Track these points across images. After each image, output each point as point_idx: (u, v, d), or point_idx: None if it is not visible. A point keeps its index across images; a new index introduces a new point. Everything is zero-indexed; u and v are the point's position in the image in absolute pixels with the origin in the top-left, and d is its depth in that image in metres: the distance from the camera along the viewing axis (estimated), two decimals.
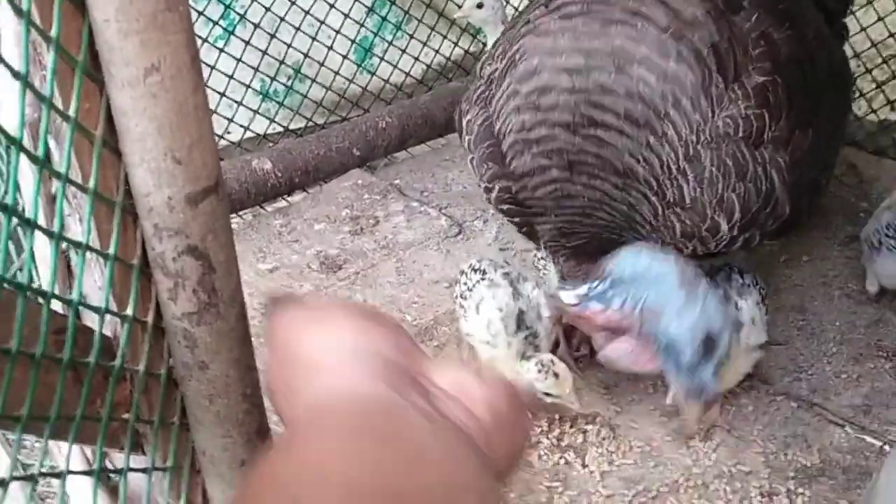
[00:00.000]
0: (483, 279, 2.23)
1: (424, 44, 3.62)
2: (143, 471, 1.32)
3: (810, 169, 2.09)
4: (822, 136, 2.11)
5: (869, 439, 2.21)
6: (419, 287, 2.75)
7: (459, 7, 3.68)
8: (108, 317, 1.21)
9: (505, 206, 2.18)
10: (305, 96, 3.40)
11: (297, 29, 3.25)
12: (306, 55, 3.31)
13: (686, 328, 1.79)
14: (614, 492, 2.09)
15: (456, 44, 3.74)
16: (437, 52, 3.67)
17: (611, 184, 1.96)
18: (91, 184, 1.11)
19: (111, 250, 1.17)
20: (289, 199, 3.19)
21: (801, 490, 2.08)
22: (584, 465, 2.16)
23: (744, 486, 2.09)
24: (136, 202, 1.18)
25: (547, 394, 2.11)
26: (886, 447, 2.18)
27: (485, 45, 3.80)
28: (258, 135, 3.30)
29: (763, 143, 1.95)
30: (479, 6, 2.99)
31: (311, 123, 3.45)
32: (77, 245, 1.11)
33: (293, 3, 3.20)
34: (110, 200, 1.15)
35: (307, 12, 3.25)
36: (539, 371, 2.11)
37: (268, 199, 3.11)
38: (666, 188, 1.94)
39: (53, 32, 0.97)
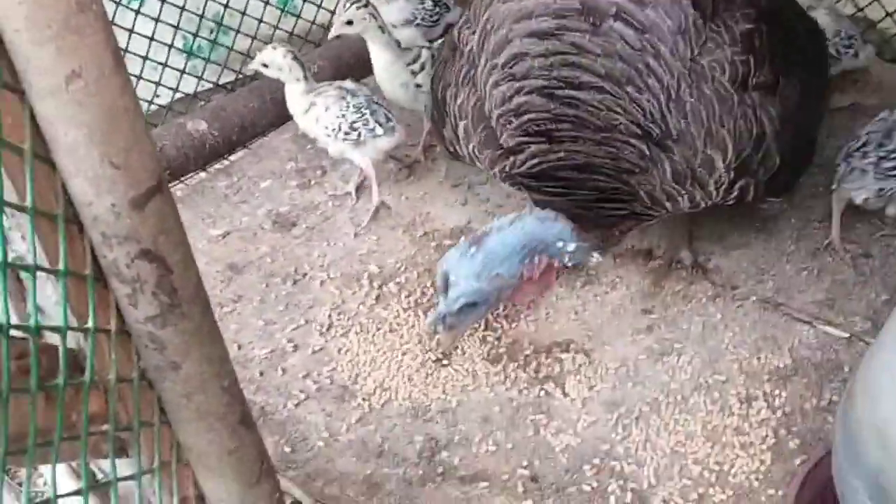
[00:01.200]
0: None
1: None
2: (131, 477, 1.29)
3: (800, 119, 2.10)
4: (809, 87, 2.12)
5: (836, 332, 2.26)
6: (376, 234, 2.71)
7: None
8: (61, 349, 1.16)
9: (508, 184, 2.17)
10: (231, 48, 3.26)
11: None
12: (226, 6, 3.17)
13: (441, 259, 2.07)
14: (597, 417, 2.12)
15: None
16: None
17: (592, 141, 1.95)
18: (28, 200, 1.04)
19: (61, 265, 1.11)
20: (230, 158, 3.10)
21: (777, 391, 2.13)
22: (564, 394, 2.18)
23: (722, 396, 2.13)
24: (80, 212, 1.12)
25: None
26: (854, 339, 2.22)
27: None
28: (188, 94, 3.18)
29: (750, 89, 1.96)
30: (349, 23, 2.75)
31: (241, 76, 3.33)
32: (26, 269, 1.06)
33: None
34: (51, 214, 1.09)
35: None
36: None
37: (209, 162, 3.02)
38: (652, 130, 1.92)
39: None
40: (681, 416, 2.09)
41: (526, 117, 1.96)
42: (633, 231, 2.27)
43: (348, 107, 2.67)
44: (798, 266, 2.46)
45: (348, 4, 2.69)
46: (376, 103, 2.71)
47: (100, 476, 1.58)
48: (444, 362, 2.28)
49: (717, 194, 2.06)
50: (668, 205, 2.06)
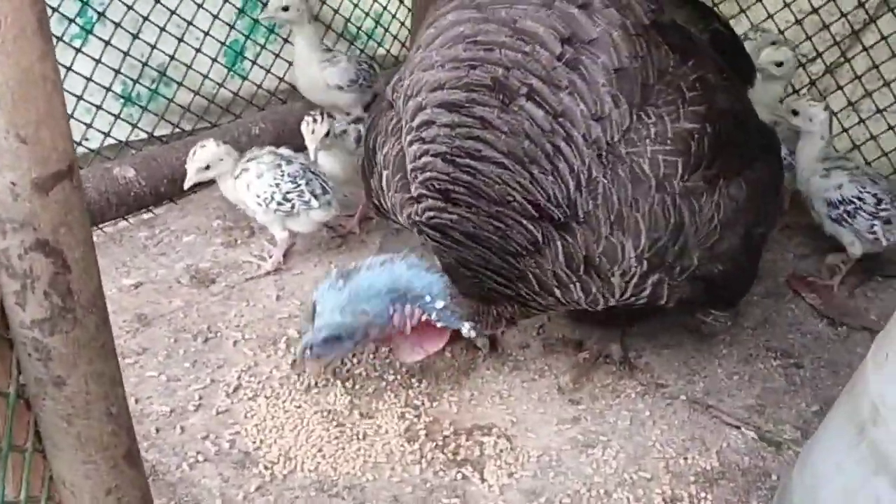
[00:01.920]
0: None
1: None
2: None
3: (745, 222, 2.01)
4: (757, 190, 2.03)
5: (764, 444, 2.19)
6: (299, 299, 2.59)
7: (336, 12, 3.59)
8: None
9: (413, 229, 2.11)
10: (171, 100, 3.17)
11: (162, 29, 3.04)
12: (172, 57, 3.10)
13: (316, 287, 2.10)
14: None
15: (332, 48, 3.59)
16: None
17: (485, 213, 1.89)
18: None
19: None
20: (155, 211, 2.96)
21: (703, 494, 2.03)
22: (482, 480, 2.06)
23: (646, 493, 2.03)
24: None
25: None
26: (783, 447, 2.16)
27: (362, 51, 3.70)
28: (120, 141, 3.05)
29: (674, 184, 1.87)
30: (285, 9, 3.00)
31: (177, 129, 3.23)
32: None
33: (157, 2, 2.98)
34: None
35: (173, 12, 3.04)
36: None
37: (131, 211, 2.87)
38: (553, 213, 1.85)
39: None
40: None
41: (429, 174, 1.92)
42: (515, 321, 2.19)
43: (283, 175, 2.59)
44: (729, 370, 2.42)
45: None
46: (312, 173, 2.64)
47: None
48: (360, 435, 2.14)
49: (625, 289, 1.94)
50: (557, 292, 1.97)
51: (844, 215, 2.59)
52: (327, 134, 2.60)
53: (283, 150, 2.71)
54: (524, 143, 1.82)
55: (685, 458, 2.13)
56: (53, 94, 0.99)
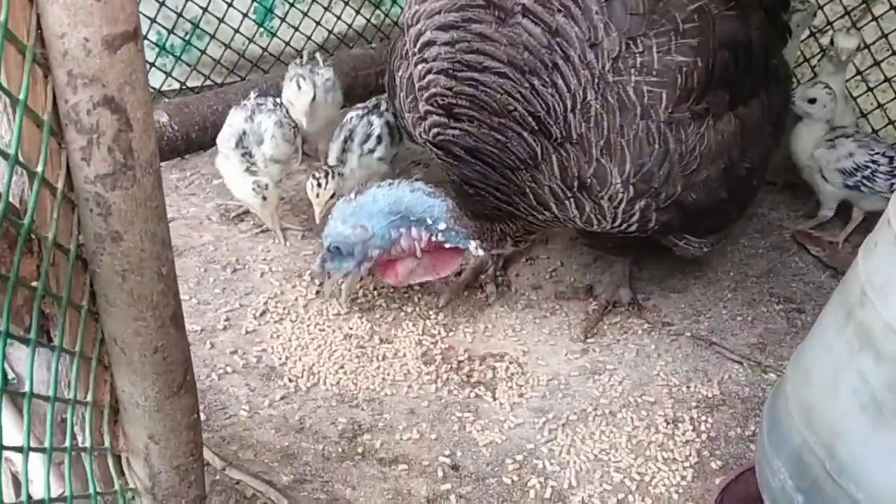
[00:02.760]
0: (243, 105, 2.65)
1: (326, 9, 3.58)
2: (52, 348, 1.24)
3: (729, 155, 2.05)
4: (748, 128, 2.07)
5: (766, 375, 2.29)
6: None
7: None
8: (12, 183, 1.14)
9: (428, 147, 2.21)
10: (204, 52, 3.29)
11: None
12: (205, 10, 3.22)
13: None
14: (524, 420, 2.10)
15: (358, 11, 3.71)
16: (338, 17, 3.63)
17: (487, 125, 1.98)
18: (1, 17, 1.04)
19: (21, 95, 1.09)
20: (185, 156, 3.08)
21: (703, 418, 2.14)
22: (494, 398, 2.17)
23: (650, 415, 2.14)
24: (49, 47, 1.10)
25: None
26: None
27: (386, 15, 3.82)
28: (154, 89, 3.18)
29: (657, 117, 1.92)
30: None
31: (208, 82, 3.36)
32: None
33: None
34: (21, 43, 1.08)
35: None
36: (254, 190, 2.50)
37: (162, 155, 3.00)
38: (551, 127, 1.93)
39: None
40: (607, 427, 2.09)
41: (433, 90, 2.04)
42: (519, 240, 2.30)
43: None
44: (733, 312, 2.52)
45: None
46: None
47: (11, 376, 1.52)
48: (379, 356, 2.26)
49: (615, 215, 2.03)
50: (554, 207, 2.05)
51: (863, 181, 2.68)
52: (332, 196, 2.47)
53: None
54: (524, 53, 1.91)
55: (688, 387, 2.23)
56: None
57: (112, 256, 1.27)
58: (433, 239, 2.13)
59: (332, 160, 2.60)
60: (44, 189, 1.17)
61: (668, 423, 2.11)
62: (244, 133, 2.57)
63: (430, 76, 2.05)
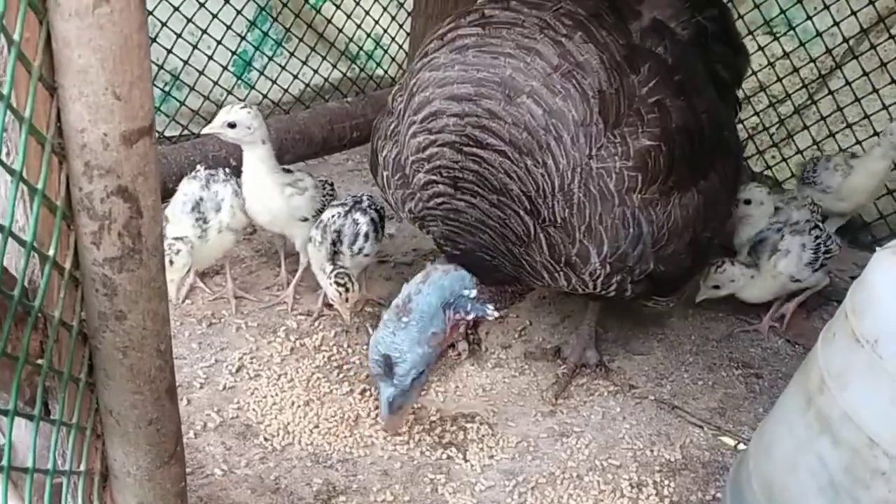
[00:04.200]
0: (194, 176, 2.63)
1: (304, 62, 3.66)
2: (52, 422, 1.28)
3: (694, 228, 2.18)
4: (708, 199, 2.22)
5: (724, 439, 2.38)
6: (298, 293, 2.76)
7: (340, 31, 3.78)
8: (21, 261, 1.18)
9: (416, 223, 2.29)
10: (182, 103, 3.35)
11: (178, 35, 3.22)
12: (186, 62, 3.28)
13: (373, 345, 2.08)
14: (495, 482, 2.16)
15: (334, 66, 3.81)
16: (315, 71, 3.72)
17: (488, 201, 2.07)
18: (27, 114, 1.09)
19: (39, 185, 1.14)
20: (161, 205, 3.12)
21: (666, 482, 2.22)
22: (465, 460, 2.23)
23: (615, 479, 2.21)
24: (68, 140, 1.16)
25: None
26: (741, 445, 2.35)
27: (362, 69, 3.92)
28: None
29: (634, 196, 2.05)
30: (232, 126, 2.52)
31: (186, 132, 3.41)
32: (11, 172, 1.09)
33: (176, 10, 3.17)
34: (41, 135, 1.13)
35: (189, 20, 3.23)
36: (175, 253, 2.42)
37: None
38: (540, 207, 2.04)
39: None
40: (575, 491, 2.16)
41: (437, 163, 2.10)
42: (524, 296, 2.40)
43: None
44: (694, 376, 2.61)
45: (238, 107, 2.54)
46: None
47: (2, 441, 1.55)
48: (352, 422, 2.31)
49: (596, 285, 2.15)
50: (547, 278, 2.16)
51: (824, 258, 2.74)
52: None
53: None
54: (523, 133, 2.00)
55: (651, 450, 2.31)
56: (145, 60, 1.16)
57: (114, 334, 1.32)
58: (462, 314, 2.17)
59: (325, 266, 2.50)
60: (52, 271, 1.22)
61: (632, 487, 2.19)
62: (201, 199, 2.56)
63: (434, 148, 2.11)
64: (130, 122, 1.17)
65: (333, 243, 2.51)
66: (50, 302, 1.24)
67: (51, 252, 1.20)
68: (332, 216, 2.55)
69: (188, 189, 2.59)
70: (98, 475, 1.47)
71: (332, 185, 2.86)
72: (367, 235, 2.54)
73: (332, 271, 2.44)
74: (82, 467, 1.41)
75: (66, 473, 1.36)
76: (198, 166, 2.70)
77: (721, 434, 2.39)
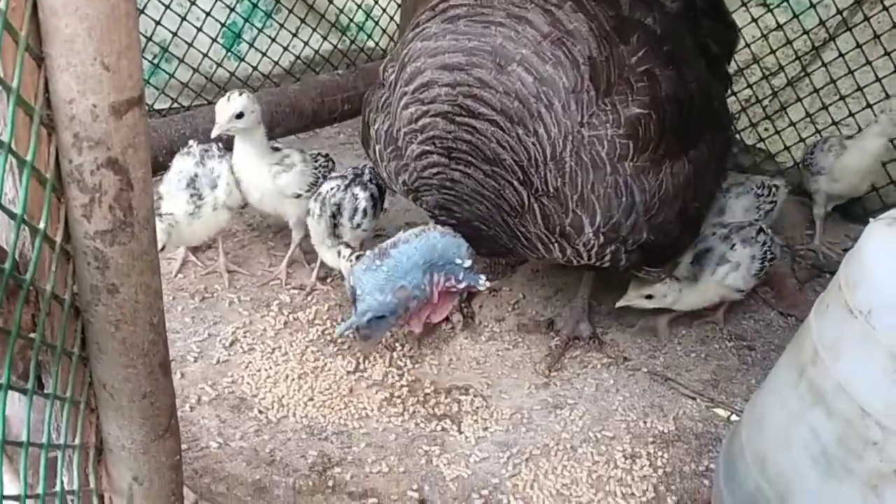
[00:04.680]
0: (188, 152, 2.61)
1: (294, 34, 3.63)
2: (46, 396, 1.27)
3: (686, 198, 2.20)
4: (698, 169, 2.23)
5: (717, 410, 2.40)
6: (291, 268, 2.75)
7: (330, 2, 3.75)
8: (11, 234, 1.17)
9: (410, 196, 2.28)
10: (172, 76, 3.32)
11: (167, 7, 3.19)
12: (175, 34, 3.25)
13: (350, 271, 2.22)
14: (489, 454, 2.17)
15: (325, 38, 3.77)
16: (305, 43, 3.69)
17: (482, 171, 2.08)
18: (14, 84, 1.08)
19: (28, 157, 1.13)
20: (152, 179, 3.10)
21: (659, 453, 2.23)
22: (460, 432, 2.24)
23: (608, 450, 2.22)
24: (57, 111, 1.15)
25: None
26: (734, 416, 2.37)
27: (353, 41, 3.88)
28: None
29: (626, 164, 2.06)
30: (239, 116, 2.42)
31: (175, 105, 3.38)
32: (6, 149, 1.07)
33: None
34: (30, 106, 1.12)
35: None
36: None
37: None
38: (532, 177, 2.05)
39: None
40: (569, 462, 2.17)
41: (430, 133, 2.10)
42: (516, 267, 2.41)
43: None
44: (688, 349, 2.62)
45: (236, 94, 2.45)
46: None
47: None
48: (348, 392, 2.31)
49: (590, 256, 2.16)
50: (541, 249, 2.17)
51: (769, 266, 2.68)
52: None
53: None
54: (514, 102, 2.00)
55: (644, 422, 2.32)
56: (133, 29, 1.14)
57: (107, 307, 1.31)
58: (452, 280, 2.20)
59: (325, 240, 2.50)
60: (44, 244, 1.21)
61: (626, 459, 2.20)
62: (196, 176, 2.54)
63: (427, 119, 2.10)
64: (119, 93, 1.15)
65: (333, 216, 2.50)
66: (41, 275, 1.23)
67: (41, 225, 1.18)
68: (332, 189, 2.54)
69: (182, 166, 2.57)
70: (93, 449, 1.47)
71: (326, 156, 2.79)
72: (365, 211, 2.53)
73: (351, 255, 2.41)
74: (77, 441, 1.41)
75: (60, 447, 1.36)
76: (190, 141, 2.67)
77: (714, 406, 2.41)
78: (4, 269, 1.10)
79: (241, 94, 2.45)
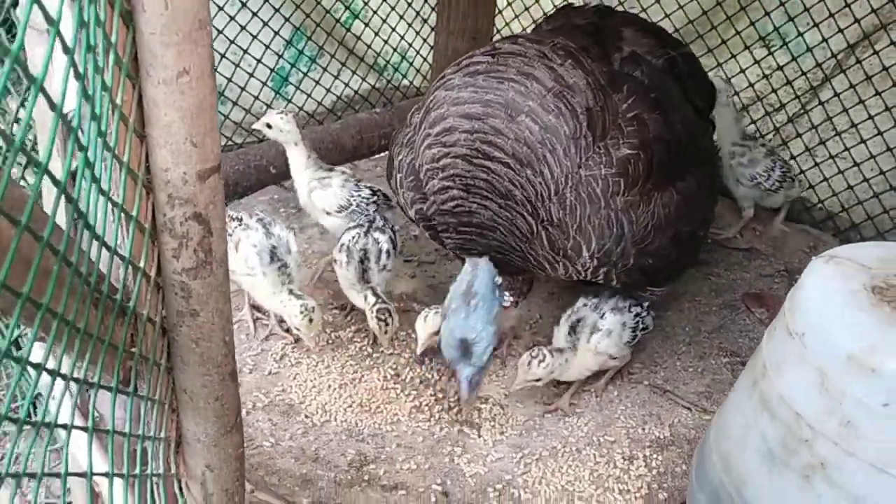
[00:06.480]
0: (239, 224, 2.71)
1: (335, 77, 4.00)
2: (141, 398, 1.62)
3: (676, 224, 2.50)
4: (688, 199, 2.55)
5: (709, 418, 2.68)
6: (332, 290, 3.09)
7: (368, 47, 4.11)
8: (120, 271, 1.52)
9: (422, 224, 2.61)
10: (227, 117, 3.70)
11: (223, 56, 3.56)
12: (229, 80, 3.63)
13: (447, 333, 2.36)
14: (504, 454, 2.49)
15: (364, 79, 4.13)
16: (346, 84, 4.05)
17: (496, 204, 2.40)
18: (126, 157, 1.43)
19: (134, 212, 1.48)
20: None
21: (655, 456, 2.53)
22: (479, 435, 2.56)
23: (609, 452, 2.53)
24: (155, 177, 1.49)
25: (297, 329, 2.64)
26: None
27: (389, 81, 4.24)
28: None
29: (618, 200, 2.37)
30: (269, 126, 2.94)
31: (230, 142, 3.75)
32: (115, 204, 1.43)
33: (220, 32, 3.51)
34: (135, 174, 1.47)
35: (232, 41, 3.57)
36: (301, 312, 2.60)
37: None
38: (539, 210, 2.37)
39: (110, 38, 1.30)
40: (573, 462, 2.48)
41: (451, 171, 2.41)
42: (531, 286, 2.77)
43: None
44: (686, 364, 2.92)
45: (275, 111, 2.98)
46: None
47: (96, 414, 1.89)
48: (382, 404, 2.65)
49: (587, 275, 2.47)
50: (548, 268, 2.49)
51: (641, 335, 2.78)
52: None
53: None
54: (524, 148, 2.33)
55: (643, 428, 2.63)
56: (214, 116, 1.49)
57: (189, 328, 1.66)
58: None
59: (355, 284, 2.75)
60: (142, 278, 1.56)
61: (624, 460, 2.50)
62: (274, 248, 2.67)
63: (448, 159, 2.42)
64: (203, 163, 1.50)
65: (361, 261, 2.75)
66: (140, 303, 1.58)
67: (142, 264, 1.53)
68: (353, 237, 2.79)
69: (255, 240, 2.66)
70: (174, 442, 1.82)
71: (377, 191, 3.05)
72: (388, 253, 2.80)
73: (374, 305, 2.66)
74: (162, 434, 1.76)
75: (151, 439, 1.70)
76: (241, 216, 2.75)
77: (706, 414, 2.70)
78: (116, 299, 1.46)
79: (278, 114, 2.93)
